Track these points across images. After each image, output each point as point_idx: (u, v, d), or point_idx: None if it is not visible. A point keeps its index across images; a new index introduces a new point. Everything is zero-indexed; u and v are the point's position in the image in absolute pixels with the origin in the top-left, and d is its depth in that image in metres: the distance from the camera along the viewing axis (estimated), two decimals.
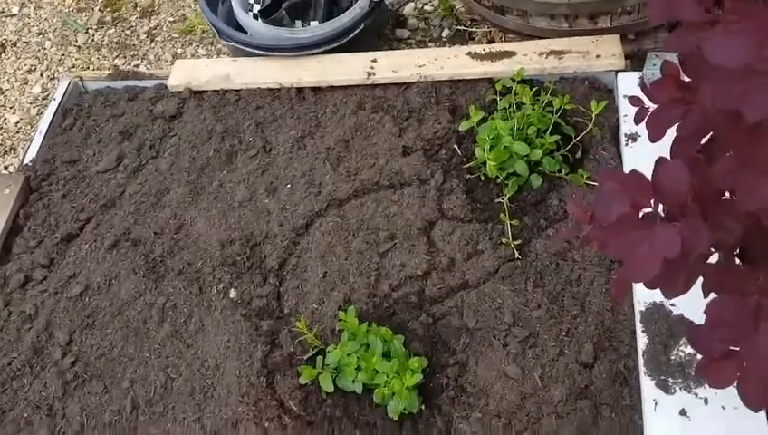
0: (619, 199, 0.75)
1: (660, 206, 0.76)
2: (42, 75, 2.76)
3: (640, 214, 0.77)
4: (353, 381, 1.48)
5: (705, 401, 1.37)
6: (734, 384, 0.96)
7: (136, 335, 1.69)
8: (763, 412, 1.35)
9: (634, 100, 0.93)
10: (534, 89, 1.86)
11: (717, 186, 0.73)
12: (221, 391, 1.57)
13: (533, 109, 1.79)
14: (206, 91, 2.15)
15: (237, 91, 2.13)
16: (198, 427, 1.53)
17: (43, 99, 2.67)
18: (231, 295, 1.72)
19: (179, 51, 2.69)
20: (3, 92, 2.69)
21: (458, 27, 2.46)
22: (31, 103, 2.68)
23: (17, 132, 2.58)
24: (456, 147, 1.90)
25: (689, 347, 1.43)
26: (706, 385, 1.38)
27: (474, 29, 2.42)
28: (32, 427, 1.58)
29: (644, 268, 0.74)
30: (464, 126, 1.82)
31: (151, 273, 1.79)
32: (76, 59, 2.75)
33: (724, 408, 1.35)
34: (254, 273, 1.76)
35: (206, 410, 1.55)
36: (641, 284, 1.50)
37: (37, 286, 1.82)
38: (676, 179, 0.71)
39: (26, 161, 2.07)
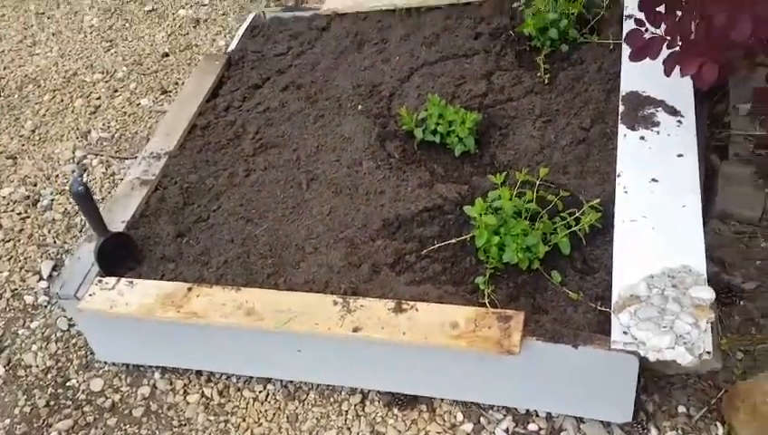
0: None
1: None
2: (224, 36, 3.94)
3: None
4: (434, 133, 2.38)
5: (658, 132, 2.16)
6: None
7: (299, 128, 2.67)
8: (692, 152, 2.11)
9: None
10: None
11: None
12: (351, 149, 2.50)
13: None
14: (346, 14, 3.21)
15: (366, 12, 3.18)
16: (338, 163, 2.46)
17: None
18: (359, 108, 2.68)
19: None
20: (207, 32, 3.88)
21: None
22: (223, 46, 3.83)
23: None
24: (511, 32, 2.83)
25: (649, 110, 2.24)
26: (659, 127, 2.17)
27: None
28: (234, 168, 2.56)
29: None
30: (516, 4, 2.77)
31: (309, 100, 2.79)
32: None
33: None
34: (374, 98, 2.72)
35: (342, 157, 2.48)
36: (626, 81, 2.29)
37: (236, 109, 2.85)
38: None
39: (228, 50, 3.17)
